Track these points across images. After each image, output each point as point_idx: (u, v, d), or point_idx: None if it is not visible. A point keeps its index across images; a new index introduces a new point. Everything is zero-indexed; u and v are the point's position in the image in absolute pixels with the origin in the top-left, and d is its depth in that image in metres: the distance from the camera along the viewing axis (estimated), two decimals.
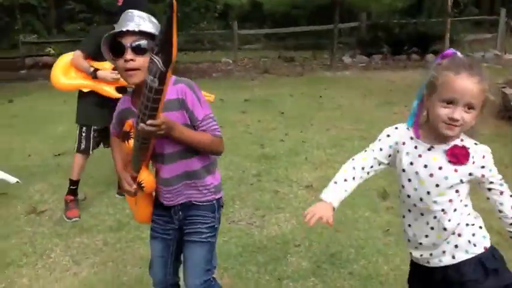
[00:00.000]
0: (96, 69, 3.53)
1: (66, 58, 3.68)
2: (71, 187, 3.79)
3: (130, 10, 1.83)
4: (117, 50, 1.77)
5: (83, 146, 3.71)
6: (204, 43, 15.98)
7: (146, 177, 1.91)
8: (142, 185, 1.90)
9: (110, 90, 3.59)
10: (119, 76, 3.26)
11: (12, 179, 3.32)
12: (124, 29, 1.75)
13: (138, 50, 1.75)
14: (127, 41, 1.74)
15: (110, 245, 3.28)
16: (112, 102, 3.22)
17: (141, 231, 3.43)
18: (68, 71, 3.64)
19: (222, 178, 2.11)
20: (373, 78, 10.11)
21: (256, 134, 5.95)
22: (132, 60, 1.74)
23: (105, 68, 3.55)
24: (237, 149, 5.19)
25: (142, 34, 1.76)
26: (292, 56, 13.60)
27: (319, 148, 5.25)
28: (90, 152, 3.76)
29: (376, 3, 11.35)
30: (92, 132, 3.70)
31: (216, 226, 2.02)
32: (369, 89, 8.75)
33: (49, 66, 13.54)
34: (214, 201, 2.00)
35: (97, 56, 3.42)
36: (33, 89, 10.51)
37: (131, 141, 1.87)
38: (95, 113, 3.66)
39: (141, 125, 1.64)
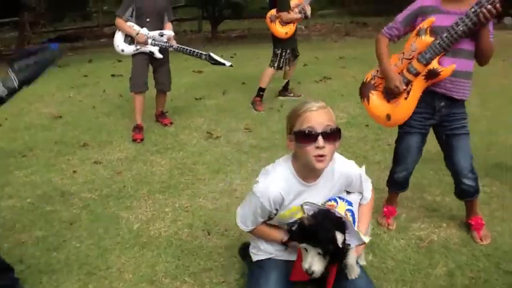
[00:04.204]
0: (305, 13, 5.12)
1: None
2: (260, 92, 5.25)
3: None
4: None
5: (280, 65, 5.18)
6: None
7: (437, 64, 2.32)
8: (439, 70, 2.32)
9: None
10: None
11: (228, 63, 4.17)
12: None
13: None
14: None
15: None
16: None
17: None
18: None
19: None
20: None
21: None
22: None
23: (296, 2, 5.06)
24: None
25: None
26: (364, 21, 13.83)
27: None
28: (283, 69, 5.26)
29: None
30: (287, 54, 5.14)
31: None
32: None
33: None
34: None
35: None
36: None
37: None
38: (289, 39, 5.13)
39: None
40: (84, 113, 5.46)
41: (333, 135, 1.72)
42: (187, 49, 4.27)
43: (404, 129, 2.60)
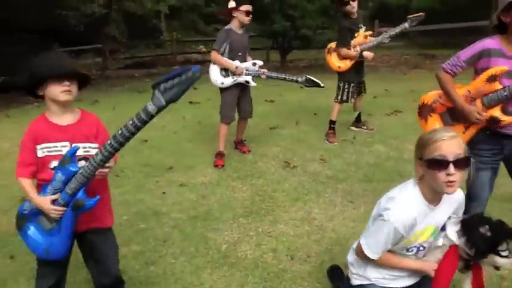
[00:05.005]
0: (361, 52, 5.13)
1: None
2: (331, 125, 5.42)
3: None
4: None
5: (344, 98, 5.34)
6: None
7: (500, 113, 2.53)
8: (501, 119, 2.52)
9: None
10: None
11: (321, 83, 4.69)
12: None
13: None
14: None
15: (370, 191, 3.98)
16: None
17: None
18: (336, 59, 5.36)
19: None
20: None
21: None
22: None
23: (360, 41, 5.14)
24: None
25: None
26: (433, 53, 13.72)
27: None
28: (349, 102, 5.37)
29: None
30: (351, 87, 5.25)
31: None
32: None
33: (199, 63, 14.67)
34: None
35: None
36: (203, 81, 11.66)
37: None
38: (353, 73, 5.26)
39: None
40: (168, 138, 5.88)
41: (462, 162, 1.86)
42: (279, 76, 4.84)
43: (476, 166, 2.71)
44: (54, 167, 2.07)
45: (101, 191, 2.21)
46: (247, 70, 4.68)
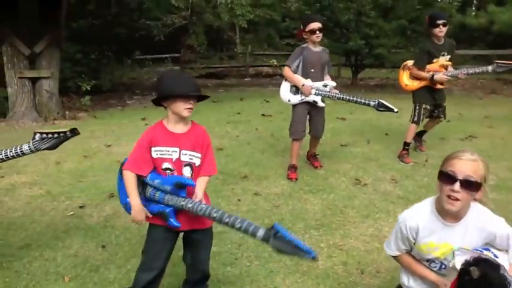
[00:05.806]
0: (432, 75, 5.10)
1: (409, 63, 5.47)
2: (405, 147, 5.49)
3: None
4: None
5: (415, 119, 5.35)
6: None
7: None
8: None
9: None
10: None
11: (395, 108, 4.60)
12: None
13: None
14: None
15: None
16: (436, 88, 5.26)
17: None
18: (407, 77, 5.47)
19: None
20: None
21: None
22: None
23: (435, 68, 5.06)
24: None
25: None
26: (511, 79, 13.24)
27: None
28: (419, 123, 5.39)
29: None
30: (422, 109, 5.28)
31: None
32: None
33: (269, 76, 15.13)
34: None
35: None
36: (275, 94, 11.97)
37: None
38: (426, 95, 5.27)
39: None
40: (242, 148, 6.16)
41: (470, 185, 1.95)
42: (351, 98, 4.70)
43: None
44: (166, 167, 2.39)
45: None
46: (317, 90, 4.71)
